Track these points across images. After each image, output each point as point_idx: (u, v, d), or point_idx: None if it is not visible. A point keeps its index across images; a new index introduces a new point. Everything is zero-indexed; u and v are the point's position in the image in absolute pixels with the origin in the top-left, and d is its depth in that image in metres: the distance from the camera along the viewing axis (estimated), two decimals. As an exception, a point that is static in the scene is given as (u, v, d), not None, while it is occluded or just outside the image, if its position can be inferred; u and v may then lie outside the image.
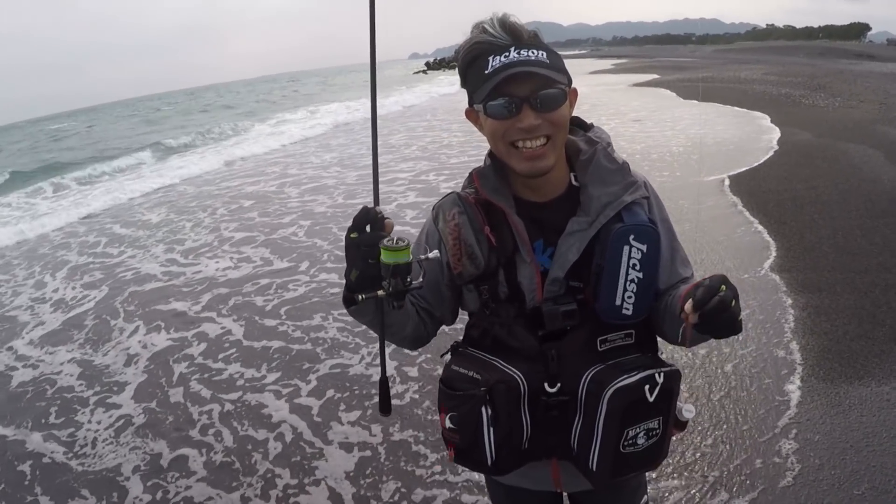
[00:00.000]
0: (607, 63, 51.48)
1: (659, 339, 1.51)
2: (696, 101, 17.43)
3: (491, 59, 1.28)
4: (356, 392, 4.12)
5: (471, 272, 1.40)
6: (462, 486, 3.11)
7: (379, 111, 1.52)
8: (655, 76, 29.28)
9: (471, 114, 1.42)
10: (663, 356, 1.48)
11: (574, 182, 1.44)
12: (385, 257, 1.21)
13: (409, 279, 1.24)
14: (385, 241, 1.22)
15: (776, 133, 11.41)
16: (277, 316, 5.53)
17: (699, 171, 8.81)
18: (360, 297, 1.26)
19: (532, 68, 1.26)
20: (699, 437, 3.24)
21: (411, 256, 1.24)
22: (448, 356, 1.53)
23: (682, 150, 10.68)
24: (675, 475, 3.00)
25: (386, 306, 1.35)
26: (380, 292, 1.25)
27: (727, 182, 8.22)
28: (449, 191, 1.50)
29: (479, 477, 3.09)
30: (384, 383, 1.50)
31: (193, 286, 6.59)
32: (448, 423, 1.42)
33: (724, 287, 1.14)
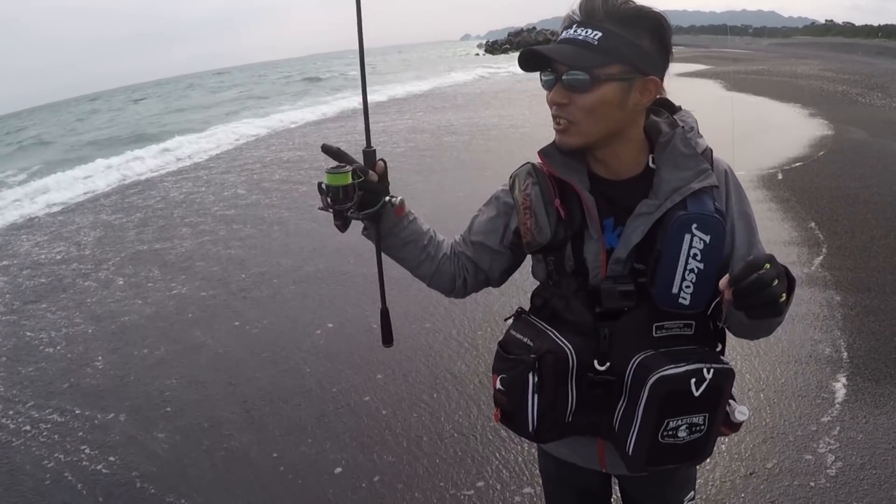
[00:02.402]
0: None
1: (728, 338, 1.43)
2: (750, 94, 16.74)
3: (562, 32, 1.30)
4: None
5: (538, 242, 1.37)
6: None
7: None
8: (705, 67, 27.93)
9: None
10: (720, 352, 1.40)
11: (651, 164, 1.37)
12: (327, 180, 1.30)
13: (347, 204, 1.29)
14: (331, 167, 1.29)
15: (831, 130, 10.89)
16: (33, 301, 5.88)
17: (754, 165, 8.49)
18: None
19: (556, 48, 1.25)
20: (740, 427, 3.15)
21: (340, 184, 1.28)
22: (511, 321, 1.52)
23: (733, 142, 10.31)
24: (712, 462, 2.92)
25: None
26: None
27: (780, 176, 7.92)
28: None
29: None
30: (385, 314, 1.55)
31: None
32: (498, 385, 1.42)
33: (767, 265, 1.06)
